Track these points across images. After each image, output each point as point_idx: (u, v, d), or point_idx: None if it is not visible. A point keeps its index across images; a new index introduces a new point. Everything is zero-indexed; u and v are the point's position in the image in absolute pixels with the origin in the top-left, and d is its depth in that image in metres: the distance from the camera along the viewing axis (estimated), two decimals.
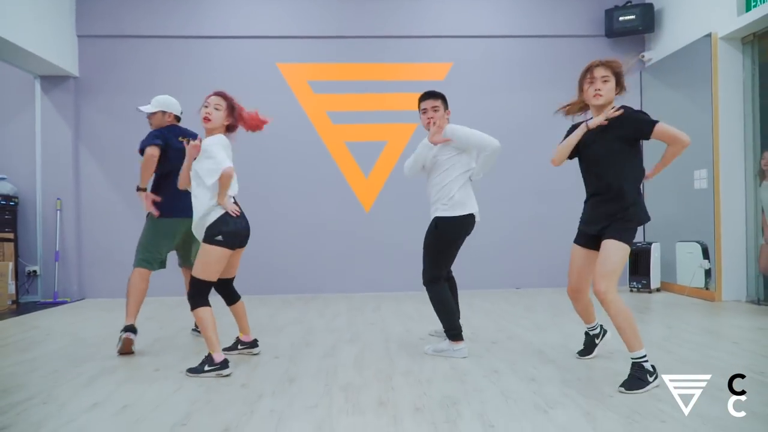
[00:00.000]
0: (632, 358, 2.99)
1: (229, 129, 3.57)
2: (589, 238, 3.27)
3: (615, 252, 3.02)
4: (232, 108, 3.53)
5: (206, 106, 3.48)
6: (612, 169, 3.12)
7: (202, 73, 7.21)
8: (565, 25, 7.48)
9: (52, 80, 7.04)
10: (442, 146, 3.79)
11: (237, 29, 7.28)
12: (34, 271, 6.97)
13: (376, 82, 7.38)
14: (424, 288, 3.81)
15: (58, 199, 6.97)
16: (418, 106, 3.95)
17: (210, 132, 3.50)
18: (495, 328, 4.73)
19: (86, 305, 6.52)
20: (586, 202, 3.32)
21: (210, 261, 3.37)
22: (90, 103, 7.17)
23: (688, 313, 5.40)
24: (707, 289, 6.24)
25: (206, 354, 3.41)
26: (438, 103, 3.88)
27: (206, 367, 3.33)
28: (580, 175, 3.36)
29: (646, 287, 6.82)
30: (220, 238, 3.35)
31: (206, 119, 3.46)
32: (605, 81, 3.13)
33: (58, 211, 6.97)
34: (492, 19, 7.48)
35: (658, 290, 6.90)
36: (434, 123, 3.80)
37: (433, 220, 3.80)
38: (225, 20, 7.27)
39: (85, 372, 3.47)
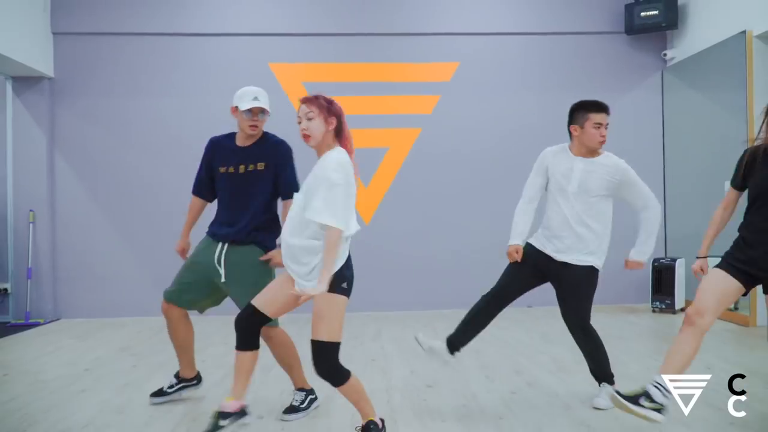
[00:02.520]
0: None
1: (338, 134, 2.76)
2: (746, 274, 2.79)
3: None
4: (328, 107, 2.73)
5: (299, 122, 2.74)
6: None
7: (189, 74, 6.68)
8: (580, 21, 6.89)
9: (25, 81, 6.47)
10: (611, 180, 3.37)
11: (226, 26, 6.71)
12: (5, 289, 6.43)
13: (376, 84, 6.81)
14: (577, 329, 3.32)
15: (31, 210, 6.42)
16: (586, 115, 3.29)
17: (319, 150, 2.77)
18: (511, 368, 4.19)
19: (60, 328, 5.98)
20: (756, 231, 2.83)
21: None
22: (66, 107, 6.61)
23: (723, 343, 4.86)
24: (736, 309, 5.73)
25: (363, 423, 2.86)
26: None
27: None
28: None
29: (669, 307, 6.26)
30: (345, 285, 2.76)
31: (305, 137, 2.73)
32: None
33: (31, 224, 6.42)
34: (501, 15, 6.90)
35: (682, 310, 6.34)
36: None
37: (590, 265, 3.35)
38: (213, 17, 6.71)
39: None
